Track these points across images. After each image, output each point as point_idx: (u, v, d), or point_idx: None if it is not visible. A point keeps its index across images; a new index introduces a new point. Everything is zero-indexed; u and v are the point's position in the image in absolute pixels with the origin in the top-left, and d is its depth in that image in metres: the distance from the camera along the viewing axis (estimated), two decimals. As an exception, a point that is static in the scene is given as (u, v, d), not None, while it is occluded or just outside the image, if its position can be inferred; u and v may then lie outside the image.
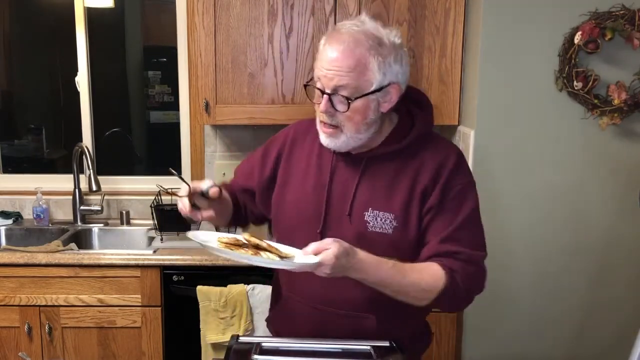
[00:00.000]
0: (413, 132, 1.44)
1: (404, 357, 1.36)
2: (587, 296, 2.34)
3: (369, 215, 1.41)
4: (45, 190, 2.86)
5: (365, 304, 1.44)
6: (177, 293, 2.37)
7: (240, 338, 1.43)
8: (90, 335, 2.40)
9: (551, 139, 2.24)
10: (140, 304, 2.37)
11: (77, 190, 2.84)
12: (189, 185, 1.40)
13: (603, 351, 2.37)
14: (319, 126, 1.43)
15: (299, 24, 2.41)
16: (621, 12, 2.11)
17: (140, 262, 2.34)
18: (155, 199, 2.73)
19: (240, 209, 1.63)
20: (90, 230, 2.82)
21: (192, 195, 1.39)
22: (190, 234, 1.38)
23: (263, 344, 1.39)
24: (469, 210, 1.41)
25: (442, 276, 1.35)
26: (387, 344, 1.41)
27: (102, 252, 2.42)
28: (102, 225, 2.84)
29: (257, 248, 1.30)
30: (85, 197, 2.86)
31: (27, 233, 2.80)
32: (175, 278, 2.37)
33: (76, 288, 2.37)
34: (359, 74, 1.33)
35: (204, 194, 1.40)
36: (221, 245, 1.31)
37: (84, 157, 2.79)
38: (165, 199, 2.68)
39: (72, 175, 2.84)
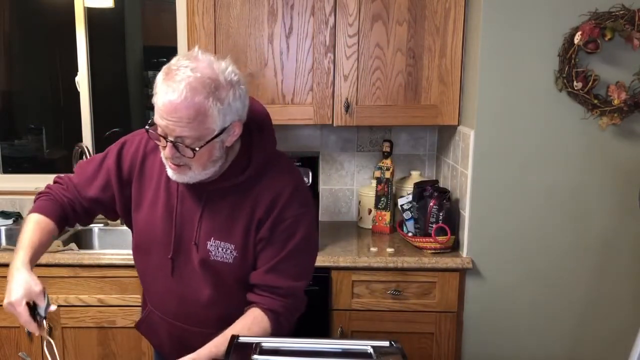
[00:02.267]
0: (251, 166, 1.44)
1: (404, 358, 1.36)
2: (586, 296, 2.34)
3: (211, 245, 1.46)
4: (45, 190, 2.86)
5: (217, 322, 1.49)
6: (177, 293, 2.37)
7: (240, 338, 1.43)
8: (90, 335, 2.40)
9: (551, 139, 2.24)
10: (140, 304, 2.37)
11: (77, 190, 2.83)
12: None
13: (603, 351, 2.37)
14: (164, 161, 1.41)
15: (299, 24, 2.41)
16: (621, 12, 2.11)
17: (140, 262, 2.34)
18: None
19: (69, 216, 1.60)
20: (90, 231, 2.82)
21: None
22: None
23: (263, 344, 1.38)
24: (298, 240, 1.46)
25: (267, 322, 1.44)
26: (387, 343, 1.41)
27: (102, 252, 2.42)
28: (102, 225, 2.84)
29: None
30: (85, 197, 2.86)
31: (27, 233, 2.79)
32: (175, 278, 2.37)
33: (76, 288, 2.37)
34: (199, 124, 1.30)
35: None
36: None
37: (84, 157, 2.79)
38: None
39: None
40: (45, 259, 2.33)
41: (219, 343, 1.39)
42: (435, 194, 2.41)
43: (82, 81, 2.92)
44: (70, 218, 1.60)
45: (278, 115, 2.47)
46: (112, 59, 3.79)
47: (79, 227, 2.81)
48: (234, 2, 2.40)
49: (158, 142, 1.38)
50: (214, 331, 1.46)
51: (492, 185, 2.28)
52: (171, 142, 1.32)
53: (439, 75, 2.42)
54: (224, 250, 1.46)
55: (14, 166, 3.27)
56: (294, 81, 2.46)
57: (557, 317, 2.36)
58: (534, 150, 2.26)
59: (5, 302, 1.37)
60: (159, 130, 1.33)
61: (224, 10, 2.41)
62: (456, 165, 2.47)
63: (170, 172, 1.41)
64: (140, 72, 3.87)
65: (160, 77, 1.33)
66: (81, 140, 2.93)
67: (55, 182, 1.65)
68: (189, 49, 2.50)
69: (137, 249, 1.60)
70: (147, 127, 1.37)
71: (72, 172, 2.82)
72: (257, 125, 1.47)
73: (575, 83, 2.15)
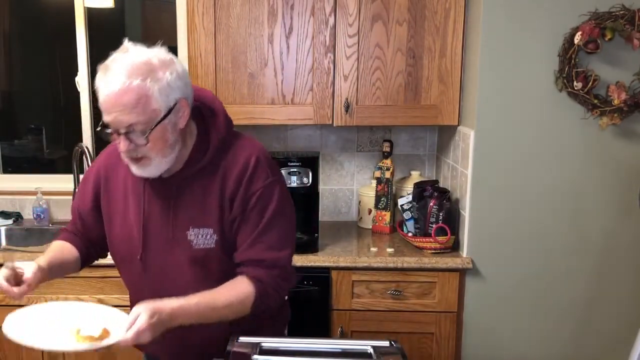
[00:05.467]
0: (210, 147, 1.46)
1: (404, 358, 1.36)
2: (586, 296, 2.34)
3: (191, 234, 1.47)
4: (45, 190, 2.86)
5: None
6: (177, 293, 2.37)
7: (240, 338, 1.43)
8: (90, 335, 2.40)
9: (551, 139, 2.24)
10: (140, 304, 2.37)
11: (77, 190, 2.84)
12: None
13: (603, 351, 2.37)
14: (125, 160, 1.43)
15: (299, 24, 2.41)
16: (621, 12, 2.11)
17: (140, 262, 2.34)
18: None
19: (91, 251, 1.64)
20: (90, 230, 2.82)
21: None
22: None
23: (263, 344, 1.39)
24: (271, 212, 1.47)
25: (251, 289, 1.44)
26: (387, 343, 1.41)
27: (102, 252, 2.42)
28: (102, 225, 2.84)
29: None
30: (85, 197, 2.86)
31: (27, 233, 2.80)
32: (175, 278, 2.37)
33: (76, 288, 2.37)
34: (143, 107, 1.32)
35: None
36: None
37: (84, 157, 2.79)
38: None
39: (72, 175, 2.84)
40: (45, 259, 2.34)
41: (202, 300, 1.39)
42: (435, 194, 2.41)
43: (82, 81, 2.92)
44: (92, 250, 1.64)
45: (278, 115, 2.47)
46: (112, 59, 3.79)
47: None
48: (234, 2, 2.40)
49: (114, 140, 1.39)
50: (213, 327, 1.45)
51: (492, 185, 2.28)
52: (123, 133, 1.34)
53: (439, 75, 2.42)
54: (204, 236, 1.46)
55: (14, 166, 3.27)
56: (294, 81, 2.46)
57: (557, 317, 2.36)
58: (534, 151, 2.26)
59: None
60: (110, 130, 1.36)
61: (224, 10, 2.41)
62: (456, 165, 2.47)
63: (134, 169, 1.42)
64: (140, 72, 3.86)
65: (97, 76, 1.36)
66: (81, 140, 2.93)
67: (64, 230, 1.68)
68: (189, 49, 2.50)
69: (120, 263, 1.61)
70: (98, 128, 1.40)
71: (70, 172, 2.84)
72: (209, 110, 1.50)
73: (575, 83, 2.15)
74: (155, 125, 1.34)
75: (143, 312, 1.27)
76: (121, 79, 1.30)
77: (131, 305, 1.69)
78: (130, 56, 1.34)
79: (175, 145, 1.42)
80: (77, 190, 1.74)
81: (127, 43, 1.39)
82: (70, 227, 1.65)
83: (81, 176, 2.84)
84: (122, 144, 1.36)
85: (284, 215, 1.50)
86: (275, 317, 1.65)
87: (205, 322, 1.40)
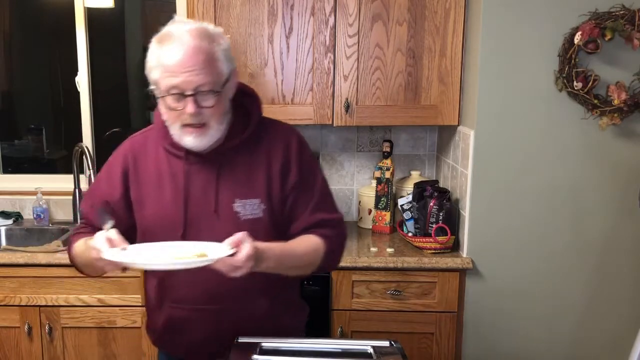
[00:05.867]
0: (253, 120, 1.52)
1: (404, 358, 1.36)
2: (586, 296, 2.34)
3: (238, 206, 1.49)
4: (45, 190, 2.86)
5: (257, 293, 1.52)
6: (177, 293, 2.37)
7: (240, 338, 1.43)
8: (90, 335, 2.40)
9: (551, 139, 2.24)
10: (140, 304, 2.37)
11: (77, 190, 2.84)
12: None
13: (603, 351, 2.37)
14: (180, 131, 1.43)
15: (299, 24, 2.41)
16: (621, 12, 2.11)
17: (140, 262, 2.34)
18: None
19: None
20: (90, 230, 2.82)
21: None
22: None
23: (263, 344, 1.39)
24: (320, 180, 1.59)
25: (322, 244, 1.51)
26: (387, 343, 1.41)
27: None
28: (102, 225, 2.84)
29: None
30: (85, 197, 2.86)
31: (27, 233, 2.80)
32: (175, 278, 2.37)
33: (76, 288, 2.37)
34: (212, 68, 1.38)
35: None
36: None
37: (84, 157, 2.79)
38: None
39: (72, 175, 2.84)
40: (45, 259, 2.35)
41: (284, 246, 1.45)
42: (435, 194, 2.41)
43: (82, 81, 2.92)
44: None
45: (278, 115, 2.44)
46: (112, 59, 3.79)
47: (79, 227, 2.82)
48: (234, 2, 2.40)
49: (175, 108, 1.40)
50: (253, 305, 1.50)
51: (492, 185, 2.28)
52: (190, 95, 1.36)
53: (439, 75, 2.42)
54: (252, 206, 1.49)
55: (14, 166, 3.27)
56: (294, 81, 2.46)
57: (557, 317, 2.36)
58: (534, 150, 2.26)
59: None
60: (174, 91, 1.37)
61: (224, 10, 2.41)
62: (456, 165, 2.47)
63: (189, 140, 1.43)
64: (140, 72, 3.84)
65: (155, 47, 1.42)
66: (81, 140, 2.93)
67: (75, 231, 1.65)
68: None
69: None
70: (158, 97, 1.43)
71: (70, 172, 2.84)
72: (240, 90, 1.53)
73: (575, 83, 2.15)
74: (223, 86, 1.40)
75: (246, 240, 1.31)
76: (191, 41, 1.36)
77: (154, 303, 1.63)
78: (190, 24, 1.41)
79: (227, 114, 1.47)
80: (92, 188, 1.68)
81: (175, 17, 1.45)
82: (87, 229, 1.58)
83: (82, 176, 2.86)
84: (191, 106, 1.37)
85: (328, 184, 1.64)
86: (293, 314, 1.67)
87: (281, 270, 1.45)
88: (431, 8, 2.37)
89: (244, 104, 1.53)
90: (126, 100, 3.91)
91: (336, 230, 1.56)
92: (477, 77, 2.24)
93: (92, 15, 2.94)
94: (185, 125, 1.42)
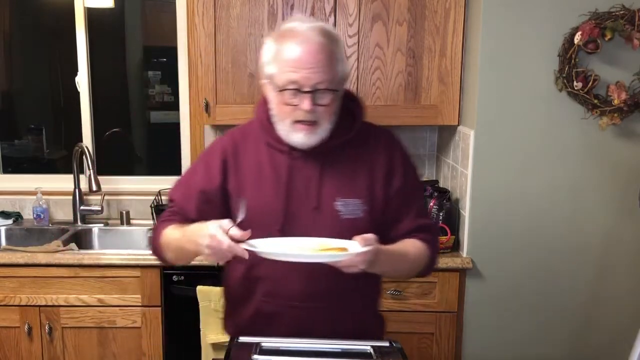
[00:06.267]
0: (357, 121, 1.54)
1: (404, 358, 1.36)
2: (586, 296, 2.34)
3: (340, 204, 1.48)
4: (45, 190, 2.86)
5: (351, 292, 1.51)
6: (177, 293, 2.37)
7: (240, 338, 1.43)
8: (90, 335, 2.40)
9: (551, 139, 2.24)
10: (140, 304, 2.38)
11: (77, 190, 2.84)
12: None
13: (603, 351, 2.37)
14: (291, 127, 1.43)
15: (299, 24, 2.41)
16: (621, 12, 2.11)
17: (140, 262, 2.34)
18: (155, 199, 2.73)
19: None
20: (90, 231, 2.82)
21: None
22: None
23: (263, 344, 1.39)
24: (421, 186, 1.63)
25: (425, 249, 1.52)
26: (387, 343, 1.41)
27: (102, 252, 2.42)
28: (102, 225, 2.84)
29: None
30: (85, 197, 2.86)
31: (27, 233, 2.80)
32: (175, 278, 2.37)
33: (76, 288, 2.37)
34: (331, 67, 1.40)
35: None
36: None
37: (84, 157, 2.79)
38: (165, 199, 2.68)
39: (72, 175, 2.84)
40: (45, 259, 2.35)
41: (397, 247, 1.46)
42: (435, 194, 2.41)
43: (82, 81, 2.91)
44: None
45: (278, 115, 2.47)
46: (112, 59, 3.79)
47: (79, 227, 2.82)
48: (234, 2, 2.40)
49: (290, 103, 1.41)
50: (346, 305, 1.50)
51: (492, 185, 2.28)
52: (307, 92, 1.38)
53: (439, 75, 2.42)
54: (354, 206, 1.49)
55: (14, 166, 3.27)
56: (294, 81, 2.45)
57: (557, 317, 2.36)
58: (534, 150, 2.26)
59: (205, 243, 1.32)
60: (291, 86, 1.39)
61: (224, 10, 2.41)
62: (456, 165, 2.47)
63: (299, 137, 1.44)
64: (140, 72, 3.87)
65: (272, 43, 1.43)
66: (81, 140, 2.93)
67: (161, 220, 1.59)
68: (189, 49, 2.52)
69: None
70: (280, 90, 1.41)
71: (70, 172, 2.83)
72: (345, 95, 1.55)
73: (575, 83, 2.15)
74: (339, 85, 1.43)
75: (374, 240, 1.32)
76: (315, 39, 1.38)
77: (234, 291, 1.60)
78: (312, 22, 1.43)
79: (335, 115, 1.47)
80: (186, 178, 1.63)
81: (299, 14, 1.52)
82: (176, 218, 1.53)
83: (81, 176, 2.85)
84: (308, 103, 1.39)
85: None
86: (377, 326, 1.66)
87: (389, 273, 1.53)
88: (431, 8, 2.37)
89: (347, 106, 1.54)
90: (126, 100, 3.91)
91: (435, 235, 1.60)
92: (477, 77, 2.24)
93: (92, 15, 2.94)
94: (296, 122, 1.43)
